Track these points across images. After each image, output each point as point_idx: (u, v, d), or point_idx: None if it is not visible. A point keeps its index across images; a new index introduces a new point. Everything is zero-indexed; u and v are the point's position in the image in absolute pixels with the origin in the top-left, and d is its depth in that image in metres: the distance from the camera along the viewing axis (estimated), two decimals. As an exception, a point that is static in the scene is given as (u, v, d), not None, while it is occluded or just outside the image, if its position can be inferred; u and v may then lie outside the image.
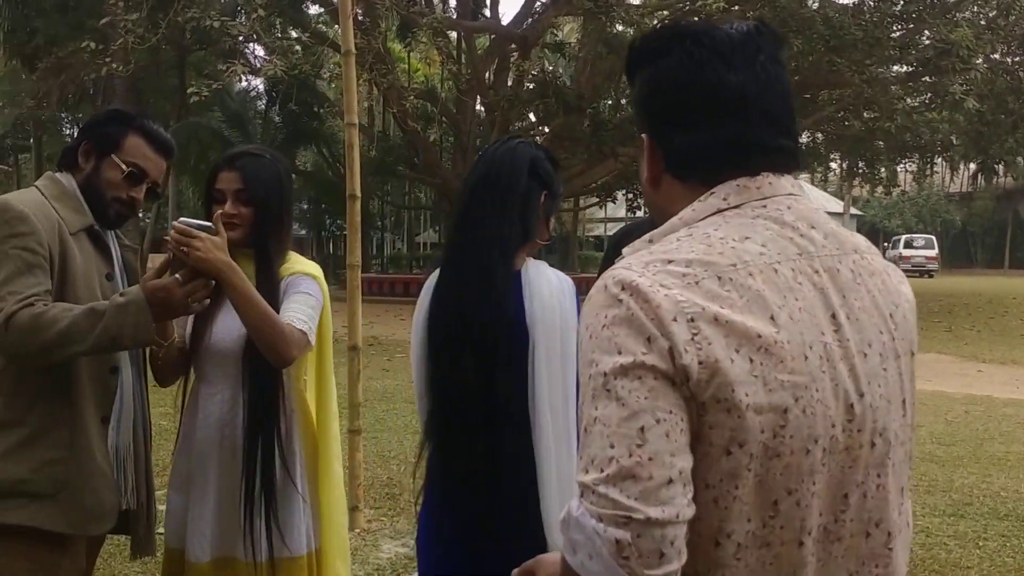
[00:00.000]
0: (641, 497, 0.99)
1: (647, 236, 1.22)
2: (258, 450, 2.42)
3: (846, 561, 1.13)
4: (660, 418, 1.01)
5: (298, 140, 31.40)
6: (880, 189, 27.82)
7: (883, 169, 25.96)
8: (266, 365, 2.37)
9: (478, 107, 28.39)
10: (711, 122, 1.20)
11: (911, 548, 1.28)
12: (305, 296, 2.45)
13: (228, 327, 2.44)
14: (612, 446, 1.00)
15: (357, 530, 5.16)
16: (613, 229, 34.15)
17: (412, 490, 5.89)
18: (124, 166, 2.31)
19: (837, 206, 43.62)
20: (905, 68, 19.17)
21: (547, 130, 27.71)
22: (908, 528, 1.23)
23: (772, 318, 1.07)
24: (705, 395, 1.03)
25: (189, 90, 20.41)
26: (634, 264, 1.12)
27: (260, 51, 26.91)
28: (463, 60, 24.28)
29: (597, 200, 34.44)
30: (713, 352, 1.04)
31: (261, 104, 34.83)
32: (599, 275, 4.58)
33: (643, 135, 1.27)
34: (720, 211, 1.18)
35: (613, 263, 4.34)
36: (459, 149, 29.49)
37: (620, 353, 1.04)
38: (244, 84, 34.57)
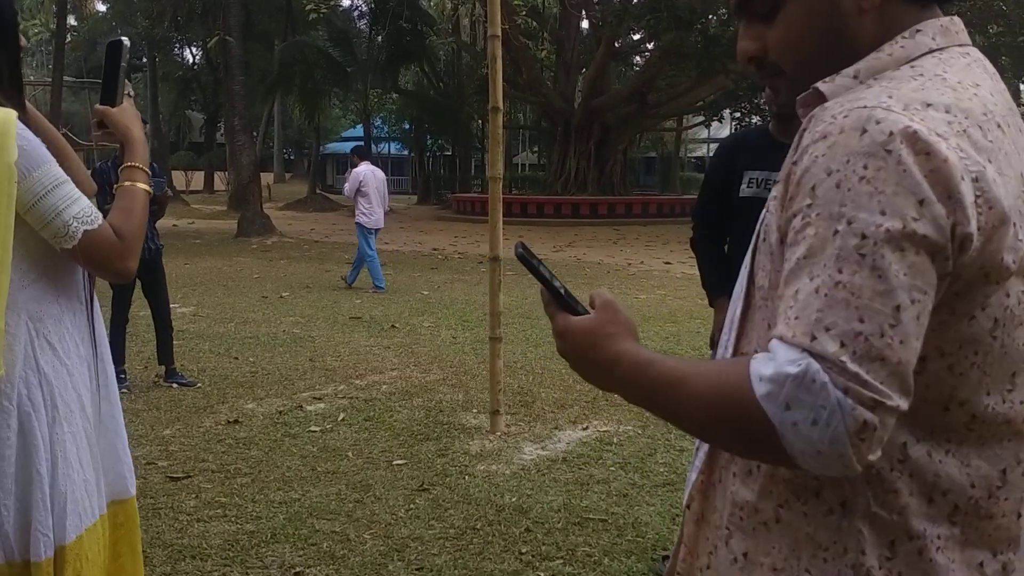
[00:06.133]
0: (888, 382, 0.91)
1: (850, 71, 1.07)
2: None
3: None
4: (915, 299, 0.92)
5: (401, 59, 31.44)
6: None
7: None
8: None
9: (583, 24, 27.91)
10: None
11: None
12: None
13: None
14: (862, 320, 0.91)
15: (499, 433, 5.36)
16: (717, 149, 33.10)
17: (544, 399, 6.10)
18: None
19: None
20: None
21: (651, 47, 27.16)
22: None
23: (1022, 175, 1.00)
24: (973, 265, 0.95)
25: (308, 7, 20.55)
26: (892, 104, 0.96)
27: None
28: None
29: (702, 119, 33.72)
30: (993, 217, 0.95)
31: (364, 24, 34.89)
32: (701, 192, 4.21)
33: None
34: (932, 51, 1.05)
35: (721, 171, 4.04)
36: (562, 67, 29.18)
37: (884, 214, 0.91)
38: (348, 2, 34.68)
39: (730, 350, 1.17)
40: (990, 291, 0.98)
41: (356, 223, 11.82)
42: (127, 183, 1.93)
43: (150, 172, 2.01)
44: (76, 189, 1.80)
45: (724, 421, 0.98)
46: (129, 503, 2.08)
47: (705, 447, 1.21)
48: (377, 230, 11.83)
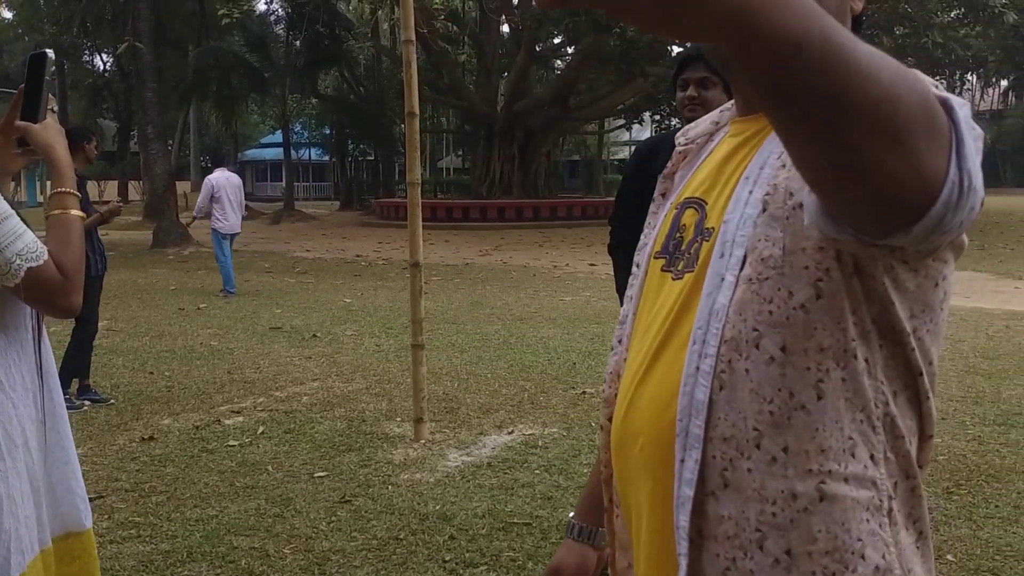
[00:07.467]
0: None
1: None
2: None
3: None
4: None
5: (319, 64, 31.07)
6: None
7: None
8: None
9: (503, 28, 27.97)
10: None
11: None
12: None
13: None
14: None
15: (423, 441, 5.31)
16: (638, 151, 33.49)
17: (469, 405, 6.06)
18: None
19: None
20: (943, -19, 18.74)
21: (571, 51, 27.38)
22: None
23: None
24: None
25: (220, 12, 20.15)
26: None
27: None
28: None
29: (624, 122, 34.08)
30: None
31: (280, 28, 34.43)
32: (617, 197, 4.24)
33: None
34: None
35: (635, 176, 4.02)
36: (483, 71, 29.20)
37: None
38: (264, 7, 34.20)
39: (716, 337, 1.05)
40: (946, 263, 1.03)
41: (211, 228, 12.05)
42: (58, 211, 1.80)
43: (81, 196, 1.92)
44: (21, 223, 1.72)
45: (906, 94, 0.79)
46: (85, 535, 1.99)
47: (692, 465, 1.05)
48: (233, 235, 12.12)
